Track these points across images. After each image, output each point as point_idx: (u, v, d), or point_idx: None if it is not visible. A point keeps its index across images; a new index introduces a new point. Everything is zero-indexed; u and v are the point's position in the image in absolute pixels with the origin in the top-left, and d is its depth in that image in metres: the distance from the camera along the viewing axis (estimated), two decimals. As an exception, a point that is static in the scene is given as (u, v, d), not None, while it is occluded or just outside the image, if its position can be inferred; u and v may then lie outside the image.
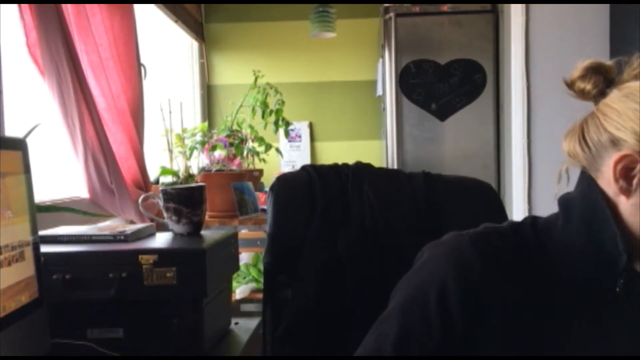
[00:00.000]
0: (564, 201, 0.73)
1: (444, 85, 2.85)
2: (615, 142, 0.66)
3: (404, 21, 2.87)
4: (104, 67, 1.71)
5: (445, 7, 2.85)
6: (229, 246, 1.20)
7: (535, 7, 2.46)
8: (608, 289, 0.68)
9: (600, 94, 0.70)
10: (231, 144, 2.30)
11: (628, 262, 0.65)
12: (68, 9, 1.57)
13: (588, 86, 0.70)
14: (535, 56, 2.46)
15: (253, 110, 2.52)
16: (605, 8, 2.40)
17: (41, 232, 1.04)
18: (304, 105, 3.55)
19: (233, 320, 1.27)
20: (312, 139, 3.58)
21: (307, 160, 3.55)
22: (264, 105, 2.49)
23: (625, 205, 0.66)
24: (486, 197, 1.06)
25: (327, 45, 3.50)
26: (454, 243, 0.73)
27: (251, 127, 2.45)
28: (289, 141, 3.51)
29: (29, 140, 0.88)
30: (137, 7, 2.00)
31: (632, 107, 0.65)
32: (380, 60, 3.03)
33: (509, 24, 2.57)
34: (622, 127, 0.65)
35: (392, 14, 2.86)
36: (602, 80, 0.70)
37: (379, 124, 3.45)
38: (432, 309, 0.69)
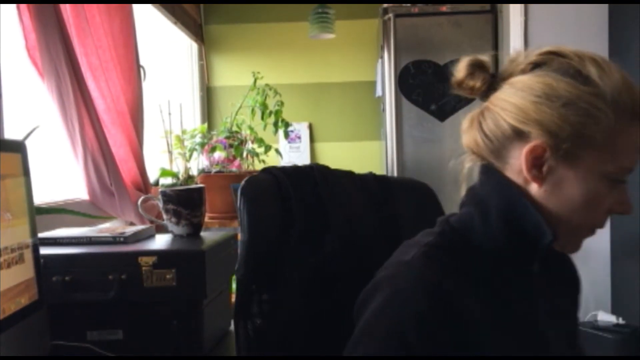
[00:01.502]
0: (476, 197, 0.75)
1: (443, 85, 2.85)
2: (520, 134, 0.70)
3: (403, 22, 2.87)
4: (104, 69, 1.72)
5: (444, 8, 2.85)
6: (229, 247, 1.20)
7: (534, 7, 2.46)
8: (526, 271, 0.74)
9: (489, 89, 0.74)
10: (231, 145, 2.30)
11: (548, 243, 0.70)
12: (67, 10, 1.57)
13: (477, 83, 0.74)
14: (535, 56, 2.46)
15: (252, 111, 2.52)
16: (604, 8, 2.40)
17: (41, 234, 1.04)
18: (303, 106, 3.55)
19: (232, 322, 1.28)
20: (312, 139, 3.58)
21: (307, 161, 3.55)
22: (264, 106, 2.50)
23: (537, 192, 0.71)
24: (428, 196, 1.08)
25: (326, 46, 3.50)
26: (412, 270, 0.70)
27: (251, 128, 2.45)
28: (289, 142, 3.51)
29: (28, 143, 0.88)
30: (137, 9, 2.01)
31: (531, 100, 0.69)
32: (380, 60, 3.03)
33: (507, 24, 2.57)
34: (526, 120, 0.69)
35: (391, 15, 2.86)
36: (487, 76, 0.74)
37: (378, 125, 3.45)
38: (414, 344, 0.65)
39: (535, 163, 0.69)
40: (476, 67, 0.75)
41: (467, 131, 0.78)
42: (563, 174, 0.69)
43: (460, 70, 0.76)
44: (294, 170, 0.99)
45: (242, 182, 0.94)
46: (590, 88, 0.68)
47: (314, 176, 0.98)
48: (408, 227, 0.91)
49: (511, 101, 0.70)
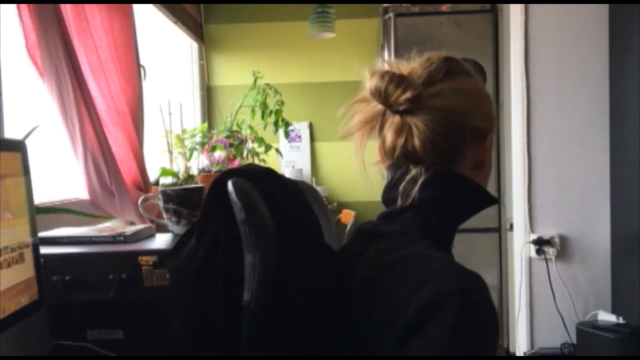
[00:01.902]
0: (437, 204, 0.76)
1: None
2: (479, 130, 0.79)
3: (404, 21, 2.87)
4: (104, 68, 1.72)
5: (445, 7, 2.85)
6: (229, 247, 1.20)
7: (534, 7, 2.46)
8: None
9: (417, 99, 0.75)
10: (231, 145, 2.30)
11: None
12: (67, 10, 1.57)
13: (409, 94, 0.75)
14: (535, 56, 2.46)
15: (253, 110, 2.52)
16: (604, 8, 2.40)
17: (41, 234, 1.04)
18: (303, 105, 3.55)
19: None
20: (312, 139, 3.58)
21: (307, 161, 3.55)
22: (264, 105, 2.50)
23: (479, 174, 0.80)
24: (317, 196, 1.08)
25: (326, 46, 3.50)
26: (464, 273, 0.66)
27: (251, 127, 2.45)
28: (289, 142, 3.52)
29: (28, 142, 0.88)
30: (137, 9, 2.01)
31: (480, 100, 0.80)
32: (380, 60, 3.03)
33: (508, 24, 2.57)
34: (486, 118, 0.80)
35: (391, 14, 2.86)
36: (414, 86, 0.76)
37: (378, 124, 3.45)
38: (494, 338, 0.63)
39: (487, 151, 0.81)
40: (403, 79, 0.76)
41: (419, 144, 0.76)
42: (488, 154, 0.83)
43: (388, 85, 0.76)
44: (264, 172, 0.85)
45: (232, 187, 0.75)
46: (482, 82, 0.84)
47: (275, 177, 0.85)
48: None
49: (467, 104, 0.77)
